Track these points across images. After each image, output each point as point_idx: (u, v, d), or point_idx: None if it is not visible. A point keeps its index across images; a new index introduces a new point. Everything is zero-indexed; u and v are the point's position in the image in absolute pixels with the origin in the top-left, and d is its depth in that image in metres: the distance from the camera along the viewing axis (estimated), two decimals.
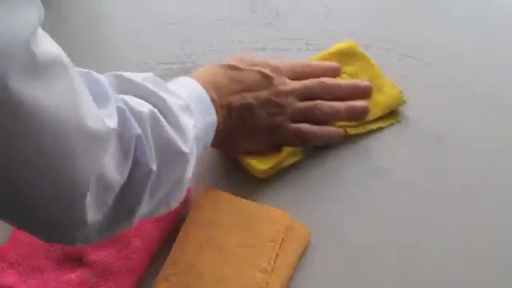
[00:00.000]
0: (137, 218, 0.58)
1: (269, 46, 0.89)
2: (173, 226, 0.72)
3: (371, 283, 0.69)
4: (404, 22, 0.92)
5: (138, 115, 0.56)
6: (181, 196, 0.65)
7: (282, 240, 0.70)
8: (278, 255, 0.69)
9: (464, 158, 0.78)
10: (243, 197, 0.73)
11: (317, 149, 0.78)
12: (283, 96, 0.75)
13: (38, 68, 0.43)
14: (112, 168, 0.52)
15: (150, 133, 0.56)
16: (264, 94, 0.74)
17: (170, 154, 0.59)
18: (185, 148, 0.60)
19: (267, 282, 0.67)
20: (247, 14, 0.93)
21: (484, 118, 0.81)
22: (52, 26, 0.48)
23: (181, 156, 0.61)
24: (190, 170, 0.63)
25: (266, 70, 0.75)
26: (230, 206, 0.72)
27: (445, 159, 0.77)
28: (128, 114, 0.55)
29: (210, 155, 0.78)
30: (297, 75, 0.78)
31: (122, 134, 0.54)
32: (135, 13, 0.95)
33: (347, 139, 0.79)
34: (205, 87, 0.70)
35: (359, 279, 0.69)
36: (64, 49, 0.48)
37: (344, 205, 0.74)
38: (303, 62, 0.81)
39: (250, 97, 0.74)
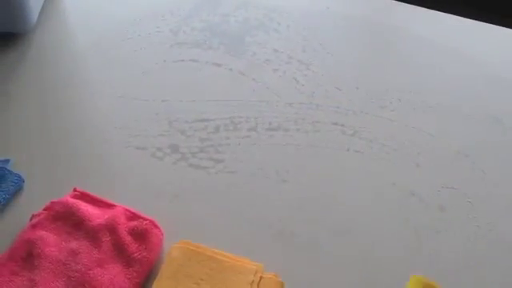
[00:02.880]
0: None
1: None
2: (146, 278, 0.71)
3: None
4: None
5: None
6: None
7: None
8: None
9: None
10: (217, 248, 0.73)
11: (296, 202, 0.79)
12: None
13: None
14: None
15: None
16: None
17: None
18: None
19: None
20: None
21: None
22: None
23: None
24: None
25: None
26: (203, 257, 0.72)
27: None
28: None
29: (185, 208, 0.78)
30: None
31: None
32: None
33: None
34: None
35: None
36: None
37: (319, 256, 0.75)
38: None
39: None
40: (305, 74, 0.95)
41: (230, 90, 0.93)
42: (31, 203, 0.77)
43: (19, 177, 0.79)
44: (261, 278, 0.71)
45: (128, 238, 0.72)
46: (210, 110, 0.90)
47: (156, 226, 0.74)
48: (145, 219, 0.74)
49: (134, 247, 0.72)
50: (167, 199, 0.79)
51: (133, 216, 0.75)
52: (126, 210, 0.75)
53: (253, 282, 0.70)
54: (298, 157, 0.85)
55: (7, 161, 0.81)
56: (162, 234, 0.74)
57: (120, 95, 0.92)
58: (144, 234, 0.73)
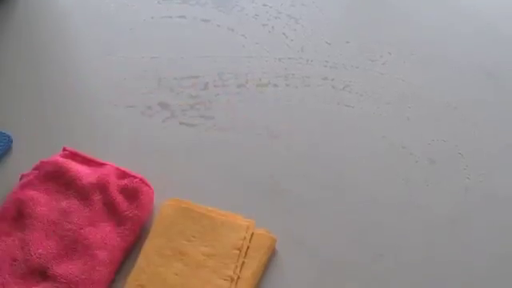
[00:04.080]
0: None
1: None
2: (137, 236, 0.71)
3: None
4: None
5: None
6: None
7: (248, 248, 0.70)
8: (243, 263, 0.69)
9: None
10: (208, 205, 0.73)
11: (282, 156, 0.79)
12: None
13: None
14: None
15: None
16: None
17: None
18: None
19: None
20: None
21: None
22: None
23: None
24: None
25: None
26: (195, 214, 0.72)
27: None
28: None
29: (175, 166, 0.78)
30: None
31: None
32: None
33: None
34: None
35: (326, 286, 0.69)
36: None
37: (310, 211, 0.75)
38: None
39: None
40: (294, 29, 0.94)
41: (219, 46, 0.92)
42: (20, 163, 0.77)
43: (8, 137, 0.79)
44: (252, 234, 0.71)
45: (119, 197, 0.72)
46: (199, 67, 0.89)
47: (146, 184, 0.74)
48: (135, 177, 0.74)
49: (124, 205, 0.72)
50: (157, 157, 0.79)
51: (123, 174, 0.74)
52: (117, 168, 0.75)
53: (245, 238, 0.70)
54: (288, 112, 0.84)
55: None
56: (153, 192, 0.74)
57: (108, 53, 0.90)
58: (134, 192, 0.73)
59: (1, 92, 0.85)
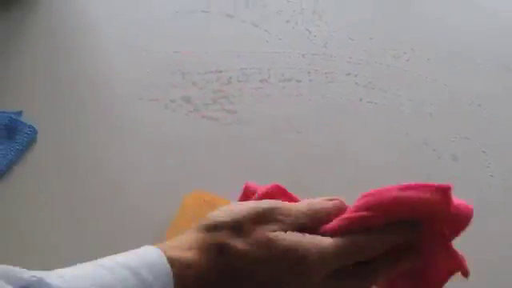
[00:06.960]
0: None
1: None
2: None
3: None
4: None
5: None
6: None
7: None
8: None
9: None
10: (229, 198, 0.73)
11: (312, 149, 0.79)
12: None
13: None
14: None
15: None
16: None
17: None
18: None
19: None
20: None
21: None
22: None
23: None
24: None
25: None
26: (216, 207, 0.72)
27: None
28: None
29: (197, 159, 0.78)
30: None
31: None
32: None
33: None
34: None
35: None
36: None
37: None
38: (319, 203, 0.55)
39: None
40: (317, 25, 0.94)
41: (243, 42, 0.92)
42: (44, 155, 0.77)
43: (32, 128, 0.80)
44: None
45: None
46: (223, 62, 0.89)
47: None
48: None
49: None
50: (180, 150, 0.79)
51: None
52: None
53: None
54: (311, 108, 0.84)
55: (20, 113, 0.81)
56: None
57: (131, 47, 0.91)
58: None
59: (25, 85, 0.86)
